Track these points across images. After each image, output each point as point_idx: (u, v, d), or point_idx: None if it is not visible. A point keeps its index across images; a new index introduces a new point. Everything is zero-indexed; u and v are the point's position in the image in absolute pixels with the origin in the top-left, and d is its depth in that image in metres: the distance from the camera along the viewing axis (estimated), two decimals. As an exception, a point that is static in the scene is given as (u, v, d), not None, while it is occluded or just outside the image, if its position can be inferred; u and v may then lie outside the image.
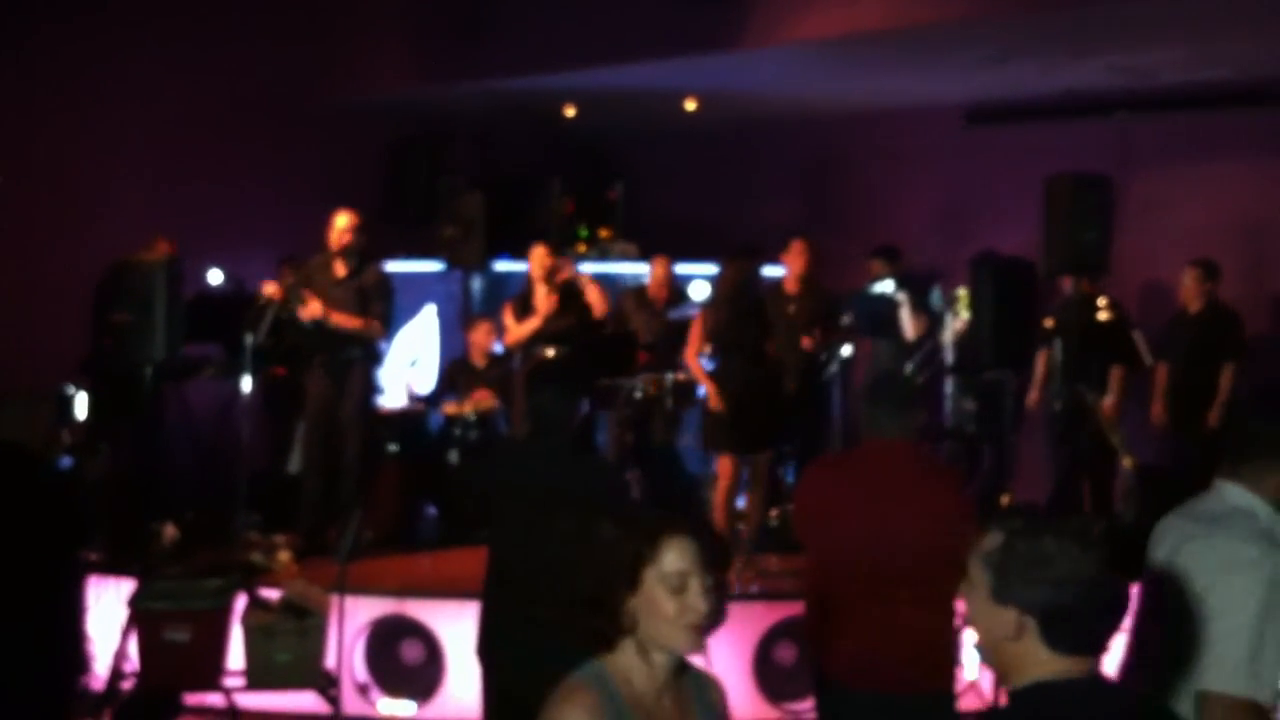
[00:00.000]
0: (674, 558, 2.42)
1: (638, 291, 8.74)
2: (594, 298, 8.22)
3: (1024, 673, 2.23)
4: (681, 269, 9.17)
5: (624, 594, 2.41)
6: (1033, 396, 8.36)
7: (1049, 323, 7.86)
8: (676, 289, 8.72)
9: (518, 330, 8.19)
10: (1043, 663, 2.21)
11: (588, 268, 9.53)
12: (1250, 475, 3.03)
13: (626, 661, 2.45)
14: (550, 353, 7.98)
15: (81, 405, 7.31)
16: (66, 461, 6.88)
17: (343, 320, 7.41)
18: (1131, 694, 2.27)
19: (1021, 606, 2.21)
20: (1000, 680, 2.29)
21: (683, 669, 2.53)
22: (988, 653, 2.29)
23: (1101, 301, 7.98)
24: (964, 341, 8.35)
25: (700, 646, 2.45)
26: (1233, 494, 3.03)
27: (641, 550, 2.42)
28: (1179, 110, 9.09)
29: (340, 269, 7.49)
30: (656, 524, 2.47)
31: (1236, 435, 3.13)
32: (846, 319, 8.43)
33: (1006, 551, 2.25)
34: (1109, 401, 7.82)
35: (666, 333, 8.51)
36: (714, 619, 2.46)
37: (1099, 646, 2.24)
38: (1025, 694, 2.22)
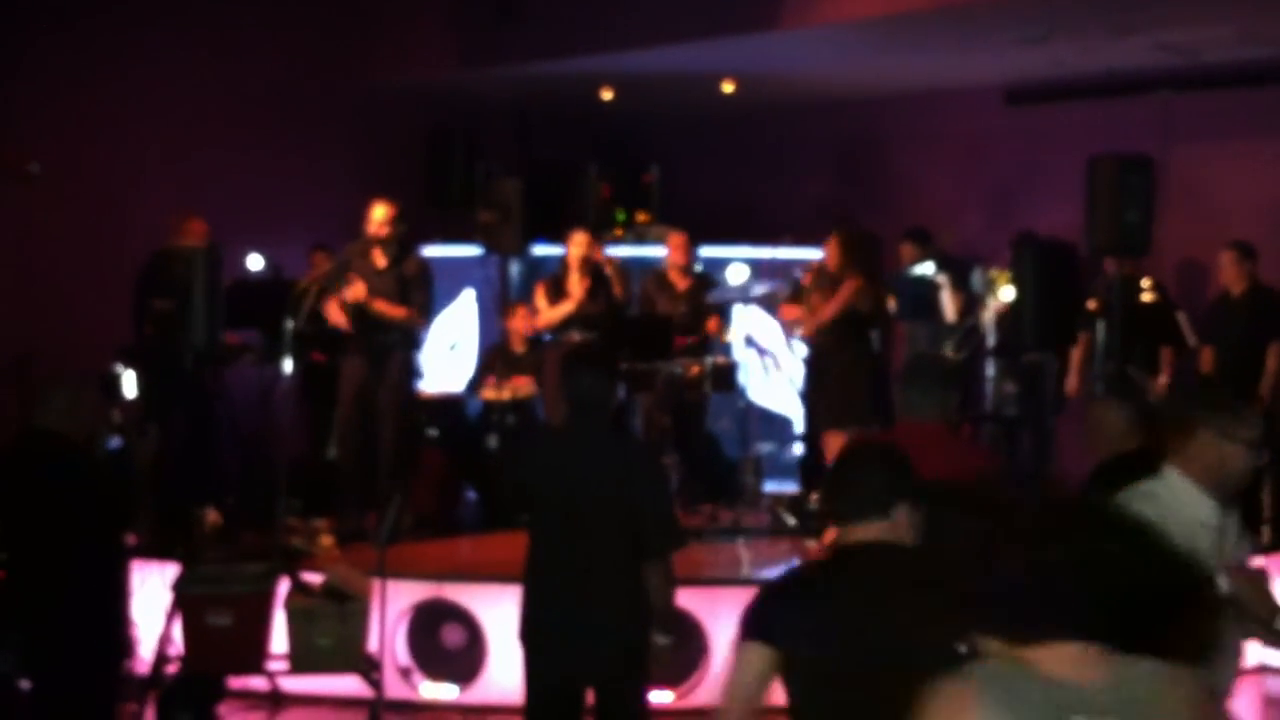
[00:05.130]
0: None
1: (658, 275, 8.70)
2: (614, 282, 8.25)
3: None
4: (719, 252, 9.12)
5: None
6: (1072, 383, 8.26)
7: (1092, 305, 7.79)
8: (696, 271, 8.66)
9: (550, 313, 8.18)
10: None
11: (625, 252, 9.50)
12: None
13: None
14: (578, 338, 7.97)
15: (130, 383, 7.34)
16: (115, 442, 6.92)
17: (384, 308, 7.41)
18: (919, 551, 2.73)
19: None
20: None
21: None
22: None
23: (1145, 283, 7.89)
24: (1005, 323, 8.28)
25: None
26: None
27: None
28: (1222, 89, 8.96)
29: (380, 259, 7.47)
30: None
31: None
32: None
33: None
34: (1160, 382, 7.75)
35: (693, 314, 8.47)
36: None
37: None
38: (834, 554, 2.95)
